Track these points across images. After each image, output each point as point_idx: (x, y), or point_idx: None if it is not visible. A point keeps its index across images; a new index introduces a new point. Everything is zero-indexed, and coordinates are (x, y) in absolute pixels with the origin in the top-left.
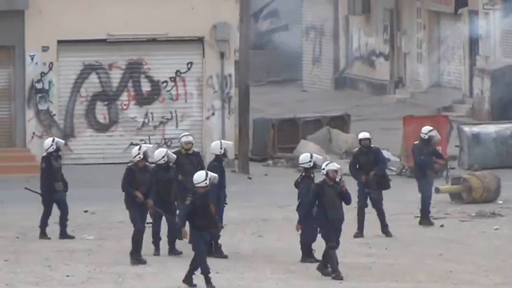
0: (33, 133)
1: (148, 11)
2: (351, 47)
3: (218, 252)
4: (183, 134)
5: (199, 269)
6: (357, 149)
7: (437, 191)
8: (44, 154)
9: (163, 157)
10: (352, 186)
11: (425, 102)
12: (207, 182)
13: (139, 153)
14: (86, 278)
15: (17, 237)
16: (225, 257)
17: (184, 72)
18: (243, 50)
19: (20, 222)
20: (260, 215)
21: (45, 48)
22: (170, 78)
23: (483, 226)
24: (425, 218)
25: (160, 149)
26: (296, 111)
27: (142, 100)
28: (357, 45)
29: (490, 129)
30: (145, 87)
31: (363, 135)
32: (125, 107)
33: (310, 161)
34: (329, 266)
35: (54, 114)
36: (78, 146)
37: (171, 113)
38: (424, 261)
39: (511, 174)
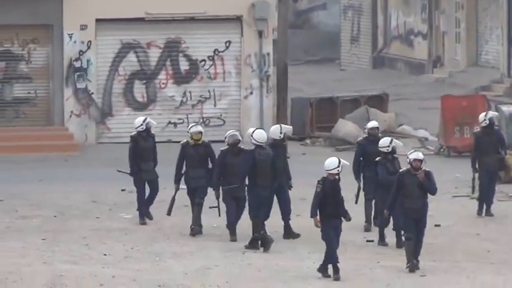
0: (72, 112)
1: None
2: (389, 26)
3: (290, 233)
4: (192, 124)
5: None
6: (361, 138)
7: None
8: (133, 133)
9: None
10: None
11: (463, 82)
12: (340, 169)
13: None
14: (123, 257)
15: (55, 216)
16: (297, 236)
17: (222, 51)
18: (282, 29)
19: (58, 201)
20: (298, 195)
21: (83, 27)
22: (208, 57)
23: None
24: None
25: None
26: (334, 90)
27: (181, 79)
28: (395, 24)
29: None
30: (184, 66)
31: (373, 124)
32: (163, 86)
33: (388, 146)
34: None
35: (93, 93)
36: (116, 125)
37: (209, 91)
38: (461, 241)
39: None
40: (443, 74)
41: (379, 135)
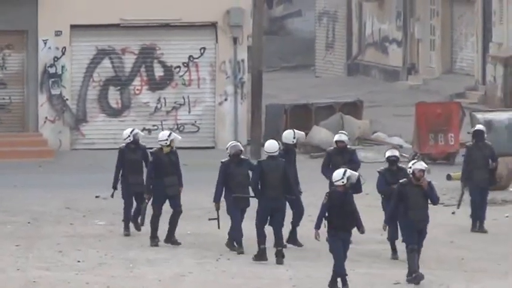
0: (46, 118)
1: None
2: (364, 33)
3: (294, 240)
4: (169, 132)
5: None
6: (332, 148)
7: (449, 178)
8: (121, 145)
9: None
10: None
11: (438, 89)
12: (344, 180)
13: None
14: (97, 264)
15: (28, 223)
16: (300, 245)
17: (197, 58)
18: (256, 36)
19: (32, 207)
20: None
21: (58, 33)
22: (183, 63)
23: (495, 213)
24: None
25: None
26: (309, 97)
27: (155, 85)
28: (370, 32)
29: (503, 116)
30: (158, 72)
31: (338, 137)
32: (137, 92)
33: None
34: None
35: (67, 99)
36: (90, 131)
37: (183, 98)
38: (435, 249)
39: None
40: (417, 81)
41: (348, 147)
